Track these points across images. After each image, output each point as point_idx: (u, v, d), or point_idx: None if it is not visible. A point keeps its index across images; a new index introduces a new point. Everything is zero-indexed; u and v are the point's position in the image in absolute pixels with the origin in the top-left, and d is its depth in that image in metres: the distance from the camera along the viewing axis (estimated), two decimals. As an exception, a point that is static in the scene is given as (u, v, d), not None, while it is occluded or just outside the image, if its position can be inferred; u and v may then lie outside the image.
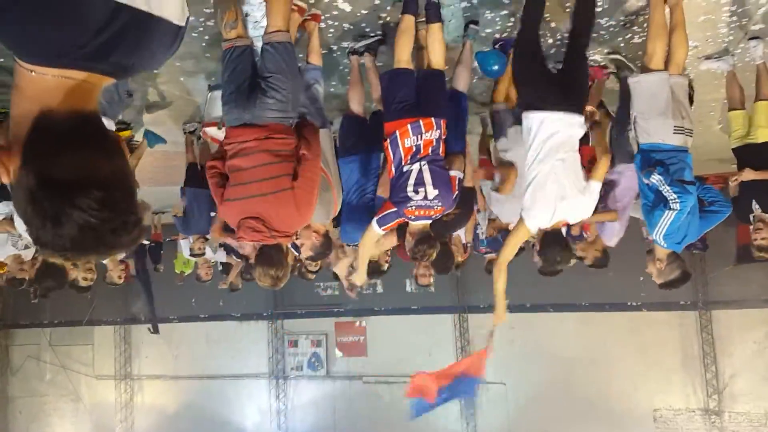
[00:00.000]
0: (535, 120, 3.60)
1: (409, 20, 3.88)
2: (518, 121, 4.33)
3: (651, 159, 3.96)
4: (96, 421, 15.52)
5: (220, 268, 8.78)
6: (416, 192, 3.82)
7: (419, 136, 3.84)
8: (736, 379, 11.47)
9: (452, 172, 4.05)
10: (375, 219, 3.96)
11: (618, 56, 5.07)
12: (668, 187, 3.86)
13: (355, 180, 4.66)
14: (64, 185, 1.10)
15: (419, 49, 4.25)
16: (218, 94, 4.53)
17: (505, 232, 5.81)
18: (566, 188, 3.61)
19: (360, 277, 4.58)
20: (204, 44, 4.53)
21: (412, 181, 3.83)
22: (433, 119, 3.84)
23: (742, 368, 11.38)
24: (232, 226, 3.27)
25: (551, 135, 3.56)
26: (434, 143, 3.88)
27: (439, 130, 3.88)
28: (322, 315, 13.88)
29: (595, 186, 3.75)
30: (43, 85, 1.18)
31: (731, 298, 11.14)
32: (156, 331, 11.08)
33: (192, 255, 7.64)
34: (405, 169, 3.86)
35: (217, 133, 4.74)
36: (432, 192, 3.83)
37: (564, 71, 3.80)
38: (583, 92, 3.88)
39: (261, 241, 3.20)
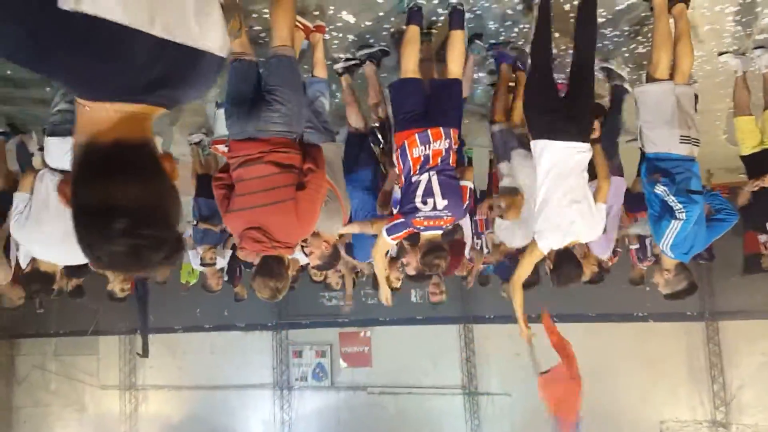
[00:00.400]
0: (545, 148, 3.74)
1: (413, 30, 3.90)
2: (522, 145, 4.37)
3: (656, 167, 3.95)
4: (100, 431, 15.48)
5: (226, 278, 8.77)
6: (424, 202, 3.81)
7: (427, 146, 3.81)
8: (743, 391, 11.36)
9: (463, 182, 4.04)
10: (384, 228, 3.96)
11: (608, 65, 5.05)
12: (673, 197, 3.85)
13: (359, 197, 4.67)
14: (89, 214, 1.16)
15: (424, 60, 4.24)
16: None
17: (511, 256, 5.82)
18: (576, 211, 3.77)
19: (384, 293, 4.54)
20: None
21: (420, 191, 3.81)
22: (441, 129, 3.82)
23: (750, 380, 11.27)
24: (234, 236, 3.28)
25: (560, 161, 3.71)
26: (443, 153, 3.84)
27: (449, 140, 3.84)
28: (327, 325, 13.84)
29: (601, 207, 3.91)
30: (95, 117, 1.23)
31: (738, 308, 11.05)
32: (145, 354, 10.97)
33: (202, 265, 7.63)
34: (414, 179, 3.84)
35: (226, 149, 4.78)
36: (441, 202, 3.81)
37: (571, 97, 3.82)
38: (590, 120, 3.99)
39: (262, 252, 3.18)
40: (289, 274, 3.26)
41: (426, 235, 3.99)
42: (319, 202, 3.28)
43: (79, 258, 3.86)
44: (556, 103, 3.79)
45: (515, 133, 4.82)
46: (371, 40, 4.49)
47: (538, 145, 3.78)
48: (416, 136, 3.80)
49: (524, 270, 4.19)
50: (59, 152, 3.65)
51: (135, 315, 14.46)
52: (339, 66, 4.78)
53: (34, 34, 1.09)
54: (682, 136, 3.91)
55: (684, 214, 3.83)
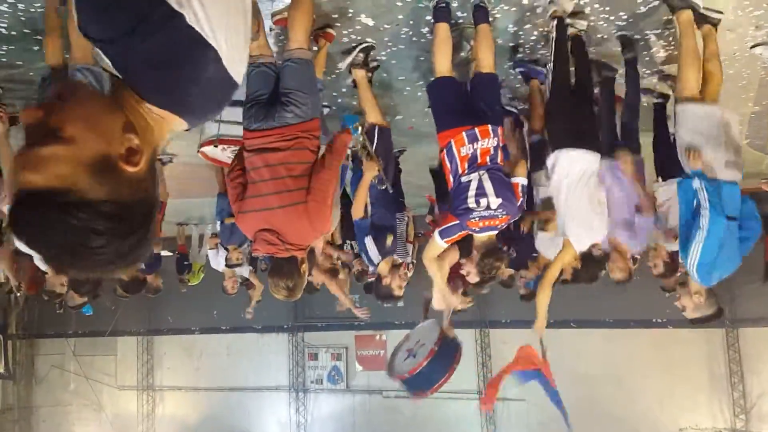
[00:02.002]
0: (568, 157, 4.02)
1: (443, 29, 3.81)
2: None
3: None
4: (118, 431, 15.62)
5: (239, 281, 8.83)
6: (478, 203, 3.67)
7: (475, 143, 3.70)
8: (764, 399, 11.20)
9: (514, 179, 3.89)
10: (437, 231, 3.85)
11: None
12: (706, 194, 3.68)
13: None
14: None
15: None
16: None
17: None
18: (597, 213, 4.10)
19: (441, 300, 4.44)
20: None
21: (472, 192, 3.66)
22: (489, 126, 3.71)
23: (771, 388, 11.13)
24: (249, 238, 3.29)
25: (582, 170, 4.01)
26: (492, 152, 3.73)
27: (496, 138, 3.73)
28: (343, 328, 13.85)
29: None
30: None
31: (759, 315, 10.89)
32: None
33: (228, 266, 7.66)
34: (463, 180, 3.71)
35: (214, 152, 4.70)
36: (495, 201, 3.67)
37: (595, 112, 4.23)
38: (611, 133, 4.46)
39: (275, 254, 3.19)
40: (304, 271, 3.25)
41: (481, 237, 3.87)
42: (330, 203, 3.29)
43: None
44: (581, 114, 4.13)
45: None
46: (390, 43, 4.49)
47: (563, 153, 4.04)
48: (464, 134, 3.68)
49: (556, 271, 4.39)
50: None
51: (153, 316, 14.64)
52: (346, 63, 4.63)
53: None
54: (728, 161, 3.77)
55: (706, 221, 3.66)
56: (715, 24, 3.94)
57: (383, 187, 4.65)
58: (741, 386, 11.29)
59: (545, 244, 5.28)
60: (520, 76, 4.99)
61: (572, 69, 4.23)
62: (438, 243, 3.89)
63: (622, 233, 4.65)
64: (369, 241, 4.64)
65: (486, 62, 3.86)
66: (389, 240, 4.74)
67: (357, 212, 4.67)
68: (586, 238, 4.21)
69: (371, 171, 4.46)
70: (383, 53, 4.66)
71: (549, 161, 4.16)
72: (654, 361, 11.67)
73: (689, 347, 11.60)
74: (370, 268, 5.04)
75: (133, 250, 1.12)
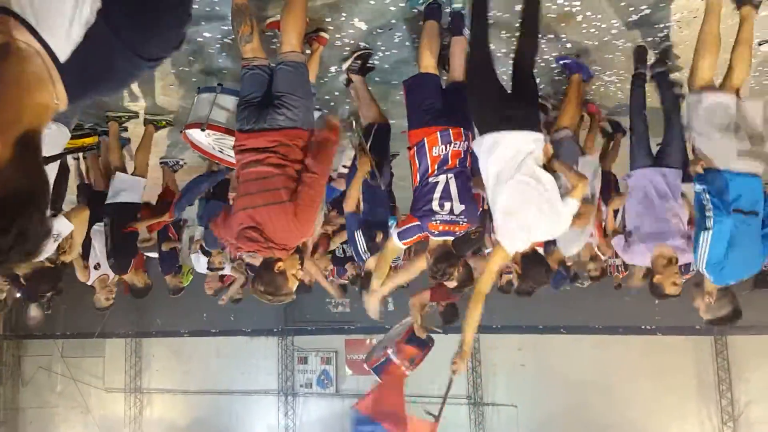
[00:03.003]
0: (490, 140, 3.35)
1: (432, 25, 3.77)
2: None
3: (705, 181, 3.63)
4: (105, 434, 15.53)
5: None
6: (441, 206, 3.61)
7: (448, 146, 3.65)
8: (751, 407, 11.26)
9: (476, 190, 3.85)
10: (396, 231, 3.81)
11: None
12: (709, 197, 3.57)
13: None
14: None
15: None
16: (207, 96, 4.54)
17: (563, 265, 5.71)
18: (535, 209, 3.35)
19: (372, 306, 4.41)
20: (221, 59, 4.58)
21: (437, 194, 3.62)
22: (462, 130, 3.68)
23: (758, 395, 11.18)
24: (232, 237, 3.27)
25: (511, 156, 3.30)
26: (462, 155, 3.68)
27: (467, 142, 3.70)
28: (333, 332, 13.83)
29: (572, 203, 3.39)
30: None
31: (748, 323, 10.90)
32: None
33: (210, 269, 7.64)
34: (431, 180, 3.66)
35: (198, 136, 4.61)
36: (458, 207, 3.61)
37: (515, 92, 3.51)
38: (536, 108, 3.67)
39: (256, 252, 3.19)
40: (287, 275, 3.22)
41: (436, 240, 3.77)
42: (318, 204, 3.28)
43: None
44: (503, 94, 3.47)
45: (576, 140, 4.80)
46: (383, 47, 4.49)
47: (486, 138, 3.39)
48: (438, 134, 3.64)
49: (490, 278, 3.70)
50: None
51: (141, 318, 14.54)
52: (345, 67, 4.66)
53: None
54: (741, 150, 3.57)
55: (711, 222, 3.54)
56: (756, 5, 3.66)
57: (376, 184, 4.64)
58: (729, 394, 11.34)
59: (570, 238, 4.83)
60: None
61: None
62: (396, 243, 3.83)
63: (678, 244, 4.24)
64: (359, 235, 4.63)
65: (458, 72, 3.87)
66: (379, 237, 4.72)
67: (349, 205, 4.65)
68: (518, 236, 3.49)
69: (364, 166, 4.45)
70: (376, 58, 4.66)
71: (487, 144, 3.41)
72: (643, 368, 11.71)
73: (678, 354, 11.66)
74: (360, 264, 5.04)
75: (17, 244, 1.08)
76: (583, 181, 3.40)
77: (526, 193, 3.28)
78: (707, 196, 3.59)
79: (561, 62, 4.76)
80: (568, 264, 6.00)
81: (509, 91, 3.51)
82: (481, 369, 12.84)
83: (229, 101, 4.44)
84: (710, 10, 3.61)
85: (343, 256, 6.51)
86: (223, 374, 14.74)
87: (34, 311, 6.17)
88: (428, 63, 3.79)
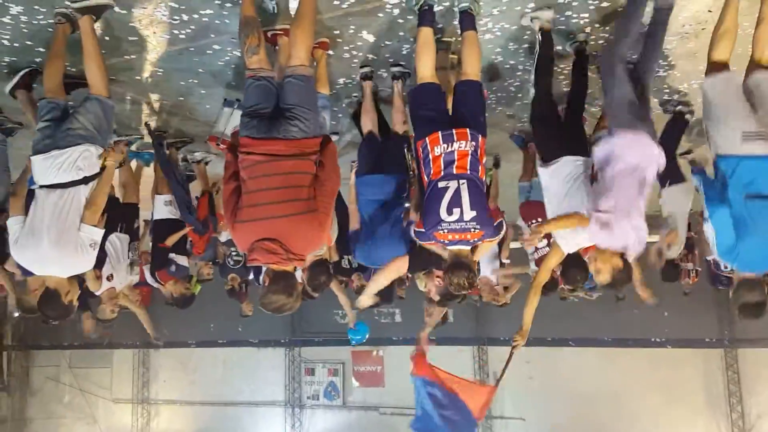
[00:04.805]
0: (559, 163, 4.00)
1: (426, 33, 3.69)
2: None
3: (718, 171, 3.55)
4: (111, 445, 15.51)
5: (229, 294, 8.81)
6: (450, 212, 3.43)
7: (451, 144, 3.51)
8: (763, 420, 11.13)
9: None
10: (414, 230, 3.65)
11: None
12: (703, 190, 3.57)
13: (377, 200, 4.60)
14: None
15: (440, 70, 4.15)
16: (227, 110, 4.59)
17: None
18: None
19: (366, 300, 4.50)
20: (230, 72, 4.61)
21: (446, 201, 3.44)
22: (468, 130, 3.54)
23: (770, 409, 11.07)
24: (242, 249, 3.25)
25: (569, 173, 3.97)
26: (471, 156, 3.52)
27: (475, 143, 3.54)
28: (340, 343, 13.74)
29: None
30: None
31: (758, 335, 10.84)
32: None
33: (199, 281, 7.69)
34: (440, 185, 3.49)
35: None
36: (469, 213, 3.42)
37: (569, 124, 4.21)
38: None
39: (276, 264, 3.15)
40: (299, 287, 3.23)
41: (453, 249, 3.59)
42: (331, 213, 3.29)
43: (75, 269, 3.89)
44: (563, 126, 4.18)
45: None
46: (391, 60, 4.51)
47: (560, 162, 4.00)
48: (440, 133, 3.53)
49: (546, 274, 4.44)
50: (43, 169, 3.69)
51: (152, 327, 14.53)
52: (396, 69, 4.70)
53: None
54: (746, 132, 3.43)
55: (707, 213, 3.50)
56: None
57: None
58: (740, 407, 11.22)
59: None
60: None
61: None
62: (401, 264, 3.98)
63: None
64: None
65: (471, 69, 3.75)
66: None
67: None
68: (573, 240, 4.07)
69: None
70: (383, 70, 4.68)
71: (541, 174, 4.18)
72: (652, 381, 11.61)
73: (687, 367, 11.55)
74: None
75: None
76: None
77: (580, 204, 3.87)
78: (702, 189, 3.59)
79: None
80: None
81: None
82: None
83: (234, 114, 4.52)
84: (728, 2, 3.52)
85: (349, 267, 6.50)
86: (230, 385, 14.72)
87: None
88: (425, 73, 3.72)
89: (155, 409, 15.47)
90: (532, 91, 4.21)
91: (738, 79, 3.59)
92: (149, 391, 15.53)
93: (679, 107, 5.26)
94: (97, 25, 3.74)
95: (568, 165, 4.00)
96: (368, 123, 4.75)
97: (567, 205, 3.92)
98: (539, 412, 12.15)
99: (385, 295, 5.26)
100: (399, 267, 4.36)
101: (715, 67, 3.60)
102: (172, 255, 6.08)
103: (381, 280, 4.46)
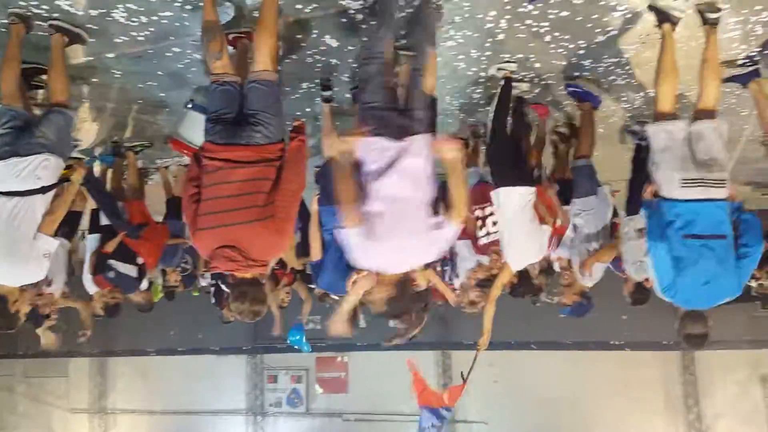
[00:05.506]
0: (509, 192, 4.60)
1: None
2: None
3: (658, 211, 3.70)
4: (68, 456, 15.11)
5: (213, 300, 8.68)
6: None
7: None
8: (718, 421, 11.40)
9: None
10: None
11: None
12: (646, 224, 3.70)
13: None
14: None
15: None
16: (193, 114, 4.53)
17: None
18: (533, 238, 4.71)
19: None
20: (191, 75, 4.54)
21: None
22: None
23: (724, 410, 11.33)
24: (203, 256, 3.23)
25: (521, 202, 4.58)
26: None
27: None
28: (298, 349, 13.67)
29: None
30: None
31: (713, 338, 11.01)
32: None
33: (168, 288, 7.55)
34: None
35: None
36: None
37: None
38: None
39: (236, 271, 3.13)
40: (268, 291, 3.21)
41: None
42: (294, 219, 3.27)
43: (26, 278, 3.80)
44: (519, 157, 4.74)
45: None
46: (354, 65, 4.50)
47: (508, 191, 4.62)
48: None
49: (497, 290, 5.05)
50: (2, 175, 3.61)
51: (106, 337, 14.22)
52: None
53: None
54: (684, 179, 3.58)
55: (647, 247, 3.64)
56: (713, 23, 3.68)
57: None
58: (696, 408, 11.48)
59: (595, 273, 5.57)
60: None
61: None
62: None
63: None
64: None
65: (427, 85, 3.70)
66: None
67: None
68: (523, 260, 4.85)
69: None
70: (346, 75, 4.68)
71: (494, 196, 4.73)
72: (613, 384, 11.79)
73: (647, 369, 11.77)
74: None
75: None
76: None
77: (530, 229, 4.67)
78: (645, 219, 3.74)
79: (570, 89, 4.87)
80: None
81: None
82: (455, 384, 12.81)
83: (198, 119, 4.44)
84: (665, 40, 3.70)
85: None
86: (191, 394, 14.45)
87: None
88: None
89: (113, 419, 15.11)
90: (490, 125, 4.69)
91: (681, 128, 3.71)
92: (107, 401, 15.18)
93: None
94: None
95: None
96: (329, 148, 4.68)
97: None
98: (502, 415, 12.24)
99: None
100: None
101: (660, 116, 3.76)
102: (111, 261, 5.92)
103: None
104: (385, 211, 3.01)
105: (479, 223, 5.48)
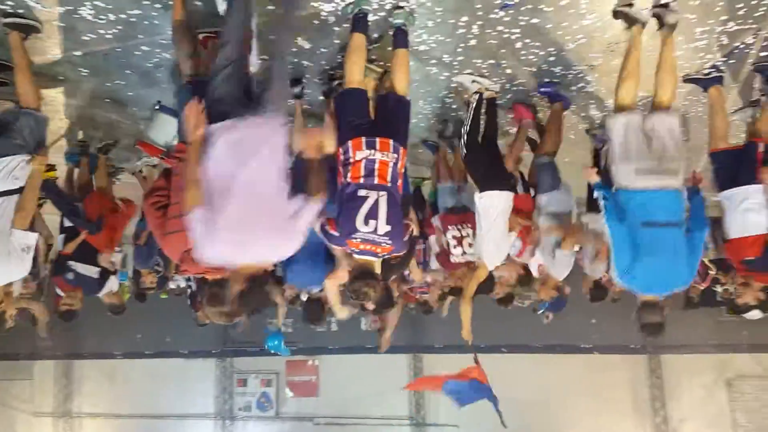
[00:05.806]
0: (491, 196, 4.86)
1: (359, 38, 3.70)
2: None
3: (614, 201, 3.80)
4: (31, 461, 14.77)
5: (189, 302, 8.60)
6: (366, 223, 3.43)
7: (373, 152, 3.52)
8: (684, 424, 11.58)
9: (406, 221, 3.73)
10: (322, 229, 3.60)
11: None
12: (603, 203, 3.78)
13: None
14: None
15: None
16: (163, 116, 4.50)
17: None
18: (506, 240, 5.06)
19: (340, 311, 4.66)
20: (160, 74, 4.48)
21: (363, 211, 3.44)
22: (391, 141, 3.56)
23: (690, 413, 11.52)
24: (173, 259, 3.19)
25: (501, 205, 4.88)
26: (391, 167, 3.55)
27: (396, 155, 3.57)
28: (274, 353, 13.56)
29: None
30: None
31: (680, 342, 11.30)
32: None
33: (142, 289, 7.43)
34: (360, 193, 3.48)
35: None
36: (383, 227, 3.44)
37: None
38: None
39: (205, 274, 3.11)
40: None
41: (359, 259, 3.62)
42: None
43: (10, 276, 3.79)
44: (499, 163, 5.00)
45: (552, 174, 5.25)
46: (326, 66, 4.48)
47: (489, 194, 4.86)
48: (363, 139, 3.53)
49: (474, 286, 5.32)
50: None
51: (72, 339, 13.95)
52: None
53: None
54: (639, 169, 3.73)
55: (604, 219, 3.76)
56: (671, 27, 3.76)
57: None
58: (663, 411, 11.65)
59: (563, 262, 5.41)
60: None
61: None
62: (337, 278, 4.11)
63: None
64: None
65: (400, 85, 3.80)
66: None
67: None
68: (497, 259, 5.14)
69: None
70: (318, 79, 4.66)
71: (477, 199, 4.92)
72: (582, 386, 11.90)
73: (614, 373, 11.91)
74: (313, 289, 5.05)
75: None
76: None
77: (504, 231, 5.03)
78: (602, 201, 3.80)
79: (542, 90, 4.93)
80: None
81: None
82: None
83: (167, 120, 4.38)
84: (631, 43, 3.80)
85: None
86: (158, 397, 14.24)
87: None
88: (353, 78, 3.72)
89: (78, 423, 14.82)
90: (465, 139, 4.87)
91: (637, 120, 3.84)
92: (72, 404, 14.89)
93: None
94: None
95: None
96: (300, 143, 4.64)
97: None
98: (473, 418, 12.24)
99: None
100: (340, 279, 4.31)
101: (619, 109, 3.87)
102: (70, 262, 5.79)
103: (333, 297, 4.57)
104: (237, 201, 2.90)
105: (454, 242, 5.65)
